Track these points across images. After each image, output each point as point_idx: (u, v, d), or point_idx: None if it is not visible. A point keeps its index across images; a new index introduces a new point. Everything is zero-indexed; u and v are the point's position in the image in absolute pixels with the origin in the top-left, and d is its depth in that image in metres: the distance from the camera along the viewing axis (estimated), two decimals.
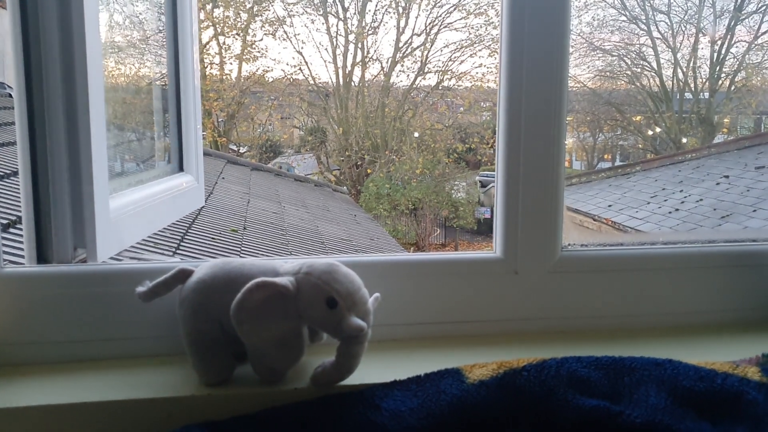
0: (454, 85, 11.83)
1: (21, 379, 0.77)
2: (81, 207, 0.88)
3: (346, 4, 11.51)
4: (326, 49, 12.05)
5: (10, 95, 4.03)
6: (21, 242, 0.88)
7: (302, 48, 12.08)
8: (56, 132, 0.87)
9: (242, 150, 12.00)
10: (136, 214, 1.05)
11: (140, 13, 1.25)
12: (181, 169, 1.35)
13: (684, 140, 9.65)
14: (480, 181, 11.90)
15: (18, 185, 0.86)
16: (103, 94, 0.93)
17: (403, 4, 11.39)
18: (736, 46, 9.24)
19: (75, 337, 0.82)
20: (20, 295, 0.80)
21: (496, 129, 0.92)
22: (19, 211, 0.89)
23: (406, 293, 0.89)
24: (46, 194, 0.86)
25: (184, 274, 0.77)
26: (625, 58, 10.26)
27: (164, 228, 2.91)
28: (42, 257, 0.87)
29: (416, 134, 11.96)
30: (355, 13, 11.60)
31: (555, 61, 0.89)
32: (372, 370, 0.77)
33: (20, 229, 0.88)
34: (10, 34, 0.83)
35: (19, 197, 0.86)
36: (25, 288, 0.80)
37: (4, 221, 1.84)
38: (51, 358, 0.81)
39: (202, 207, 3.86)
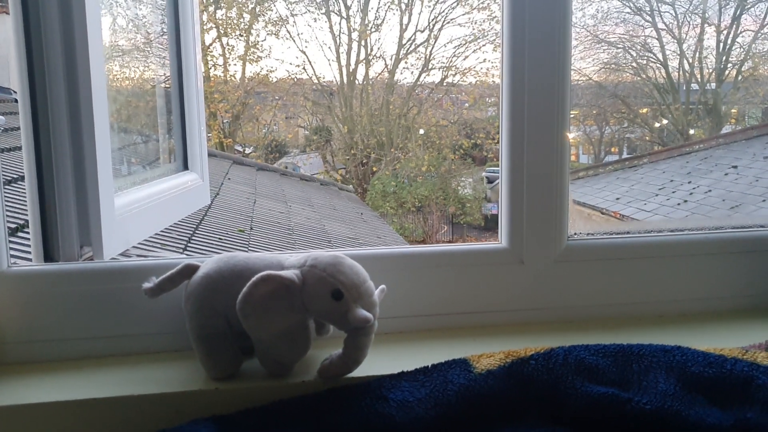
0: (458, 81, 11.81)
1: (29, 376, 0.77)
2: (86, 205, 0.89)
3: (349, 2, 11.51)
4: (329, 47, 12.11)
5: (17, 100, 4.04)
6: (28, 246, 0.89)
7: (306, 47, 12.09)
8: (60, 132, 0.87)
9: (248, 150, 12.02)
10: (141, 212, 1.05)
11: (143, 17, 1.26)
12: (185, 167, 1.36)
13: (691, 131, 9.58)
14: (486, 177, 11.86)
15: (24, 189, 0.86)
16: (106, 94, 0.93)
17: (406, 1, 11.37)
18: (742, 36, 9.16)
19: (82, 334, 0.82)
20: (28, 293, 0.81)
21: (500, 116, 0.92)
22: (26, 215, 0.89)
23: (412, 285, 0.89)
24: (51, 194, 0.87)
25: (189, 270, 0.77)
26: (630, 50, 10.19)
27: (171, 229, 2.92)
28: (49, 256, 0.87)
29: (421, 131, 11.93)
30: (357, 11, 11.60)
31: (557, 44, 0.88)
32: (379, 362, 0.77)
33: (27, 233, 0.89)
34: (13, 39, 0.84)
35: (25, 201, 0.87)
36: (32, 286, 0.81)
37: (12, 225, 1.85)
38: (59, 356, 0.81)
39: (209, 207, 3.87)
